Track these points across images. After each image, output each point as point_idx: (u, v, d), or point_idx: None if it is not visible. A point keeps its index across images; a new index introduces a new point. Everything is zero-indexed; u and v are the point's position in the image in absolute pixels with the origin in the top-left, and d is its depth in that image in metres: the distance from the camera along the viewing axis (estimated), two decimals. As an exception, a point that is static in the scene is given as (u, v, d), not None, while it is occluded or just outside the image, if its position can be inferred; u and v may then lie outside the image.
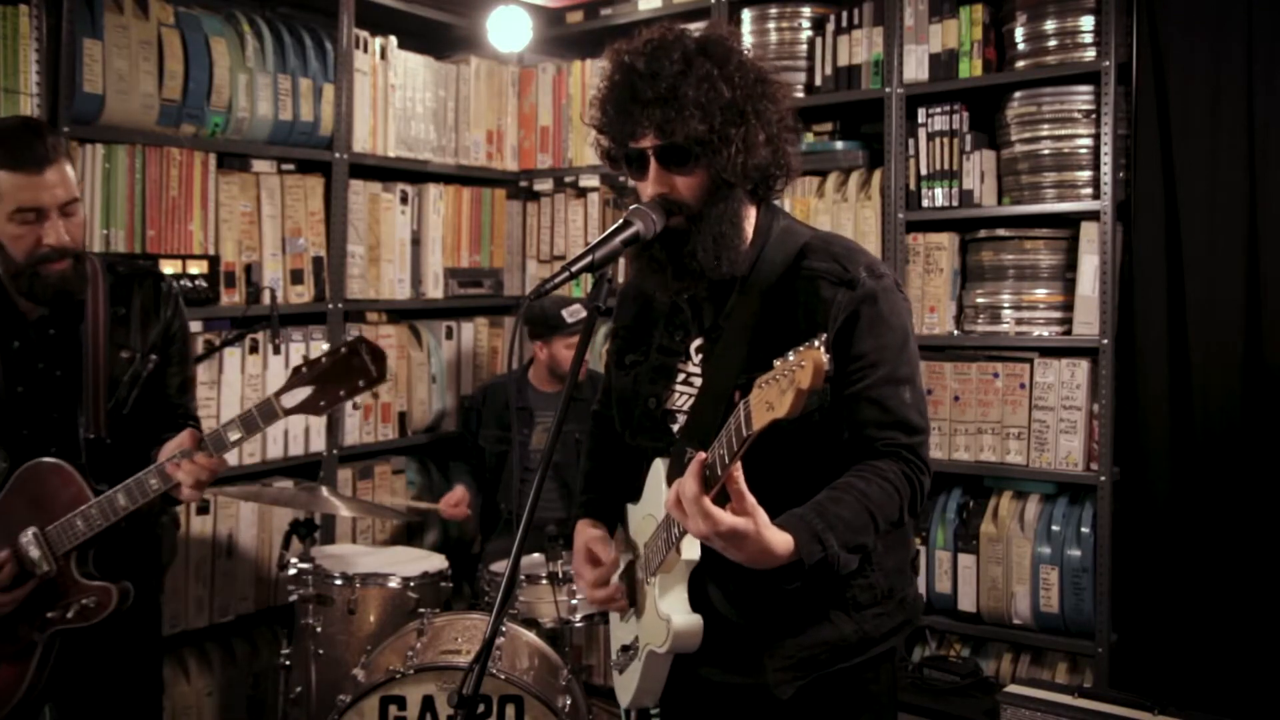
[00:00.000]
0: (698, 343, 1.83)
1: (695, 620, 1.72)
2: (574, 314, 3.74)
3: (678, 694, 1.88)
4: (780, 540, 1.54)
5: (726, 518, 1.48)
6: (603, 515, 2.02)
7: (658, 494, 1.78)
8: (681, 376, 1.84)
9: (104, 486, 2.19)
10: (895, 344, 1.72)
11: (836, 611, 1.76)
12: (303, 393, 2.09)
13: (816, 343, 1.33)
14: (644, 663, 1.81)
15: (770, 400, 1.36)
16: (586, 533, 1.98)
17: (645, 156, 1.72)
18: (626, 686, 1.90)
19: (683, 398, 1.83)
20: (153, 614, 2.53)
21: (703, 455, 1.51)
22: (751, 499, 1.50)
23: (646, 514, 1.83)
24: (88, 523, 2.17)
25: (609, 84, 1.75)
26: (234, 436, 2.13)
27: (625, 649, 1.89)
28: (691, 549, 1.69)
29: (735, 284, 1.78)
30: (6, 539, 2.21)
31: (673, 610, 1.72)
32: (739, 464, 1.47)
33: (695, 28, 1.80)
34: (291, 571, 3.02)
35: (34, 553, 2.20)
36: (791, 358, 1.35)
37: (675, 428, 1.82)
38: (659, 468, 1.80)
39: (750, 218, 1.80)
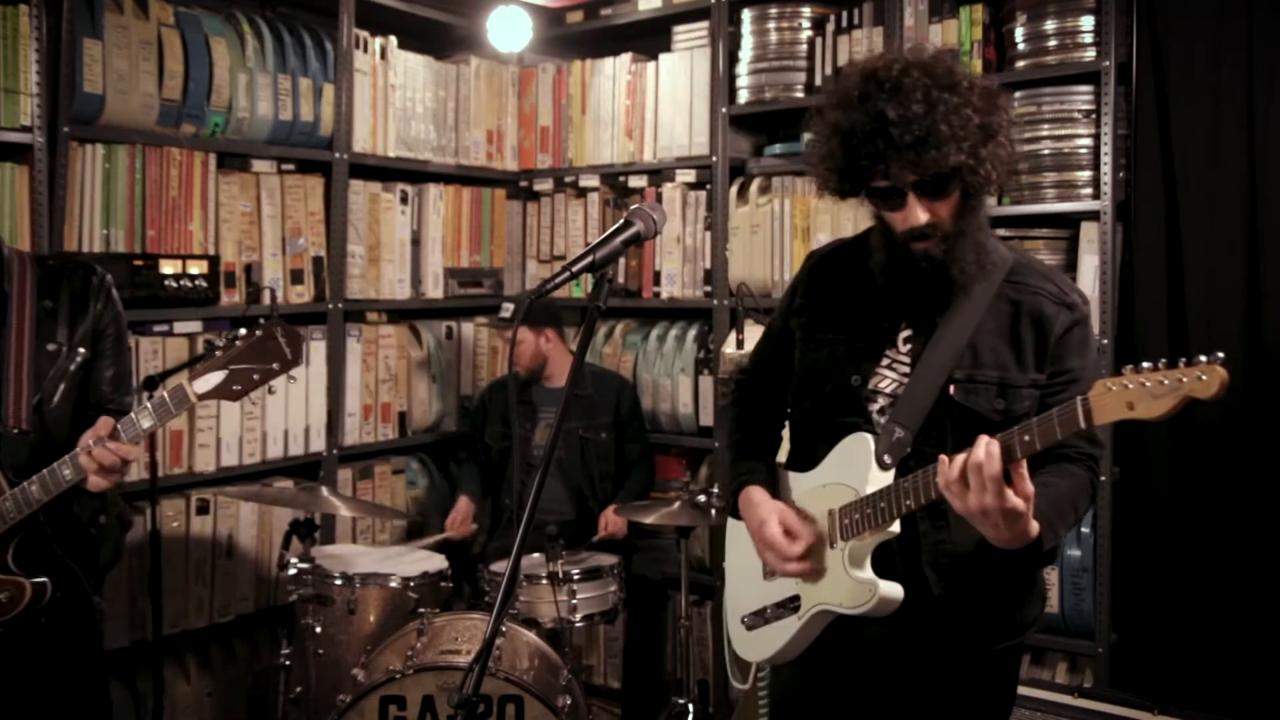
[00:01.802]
0: (907, 333, 1.93)
1: (898, 588, 1.84)
2: (505, 310, 3.86)
3: (821, 650, 1.96)
4: (1034, 525, 1.68)
5: (1013, 497, 1.62)
6: (769, 485, 2.06)
7: (859, 467, 1.87)
8: (886, 361, 1.93)
9: (22, 480, 2.15)
10: (1093, 364, 1.90)
11: (1006, 598, 1.92)
12: (216, 378, 2.05)
13: (1217, 358, 1.45)
14: (807, 621, 1.92)
15: (1132, 400, 1.51)
16: (773, 503, 2.00)
17: (902, 192, 1.81)
18: (768, 642, 2.00)
19: (887, 381, 1.92)
20: (88, 619, 2.41)
21: (987, 439, 1.63)
22: (1031, 488, 1.64)
23: (833, 483, 1.91)
24: (1, 517, 2.14)
25: (848, 130, 1.81)
26: (146, 424, 2.11)
27: (779, 605, 1.97)
28: (897, 522, 1.82)
29: (954, 286, 1.87)
30: None
31: (874, 577, 1.84)
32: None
33: (912, 52, 1.85)
34: (291, 571, 3.02)
35: None
36: (1151, 366, 1.49)
37: (873, 407, 1.91)
38: (865, 442, 1.88)
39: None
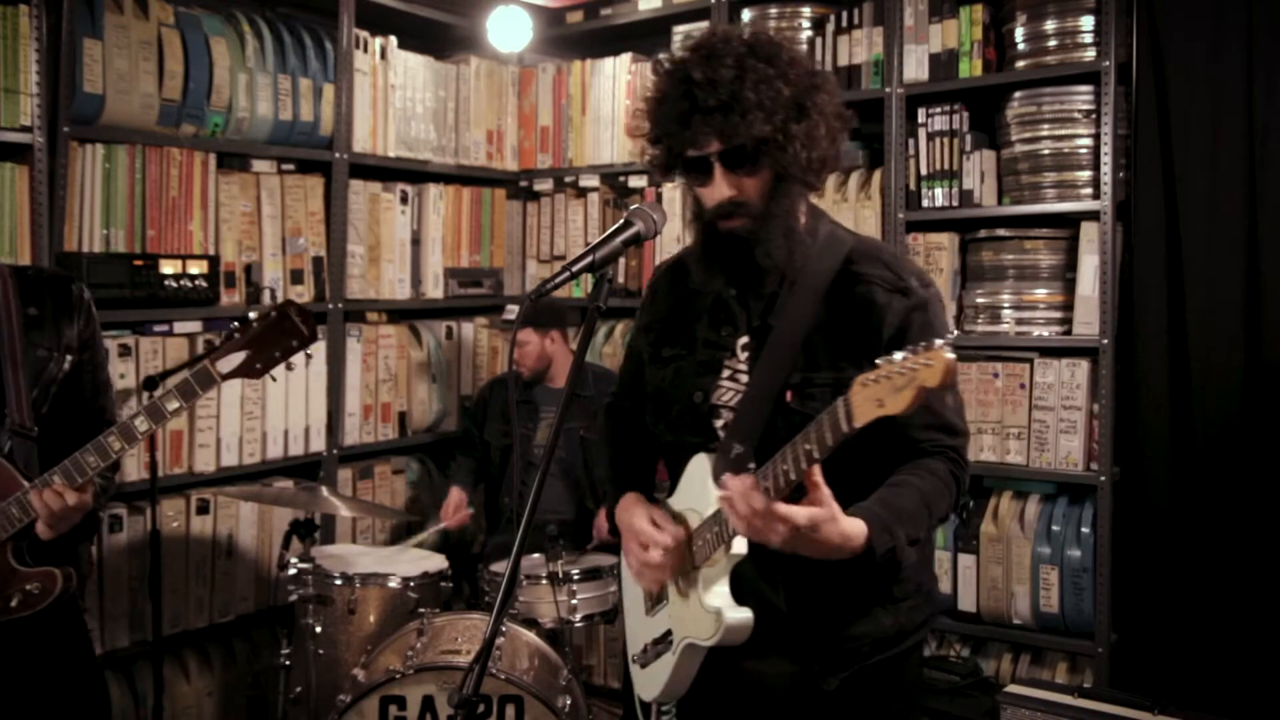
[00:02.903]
0: (744, 340, 1.85)
1: (746, 614, 1.74)
2: (510, 313, 3.94)
3: (708, 685, 1.88)
4: (854, 529, 1.58)
5: (802, 512, 1.53)
6: (643, 493, 1.99)
7: (701, 489, 1.79)
8: (727, 373, 1.85)
9: (31, 474, 2.17)
10: None
11: (876, 606, 1.81)
12: (238, 357, 2.15)
13: (939, 343, 1.37)
14: (680, 656, 1.83)
15: (880, 397, 1.41)
16: (645, 506, 1.91)
17: (709, 162, 1.74)
18: (654, 680, 1.91)
19: (728, 394, 1.84)
20: (78, 621, 2.43)
21: (750, 479, 1.55)
22: (827, 490, 1.54)
23: (687, 508, 1.83)
24: (23, 509, 2.15)
25: (660, 95, 1.77)
26: (172, 406, 2.16)
27: (656, 642, 1.90)
28: (740, 544, 1.71)
29: (783, 283, 1.80)
30: None
31: (721, 604, 1.74)
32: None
33: (740, 30, 1.81)
34: (291, 571, 3.02)
35: None
36: (901, 357, 1.39)
37: (719, 423, 1.83)
38: (703, 463, 1.80)
39: (802, 215, 1.83)
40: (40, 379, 2.28)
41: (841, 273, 1.78)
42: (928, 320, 1.76)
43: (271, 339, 2.16)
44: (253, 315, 2.17)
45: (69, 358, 2.33)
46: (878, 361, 1.42)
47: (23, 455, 2.22)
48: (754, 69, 1.69)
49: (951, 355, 1.36)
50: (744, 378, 1.82)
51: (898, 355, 1.40)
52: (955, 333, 3.52)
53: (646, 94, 1.80)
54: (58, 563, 2.23)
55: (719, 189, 1.74)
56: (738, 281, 1.82)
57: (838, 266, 1.78)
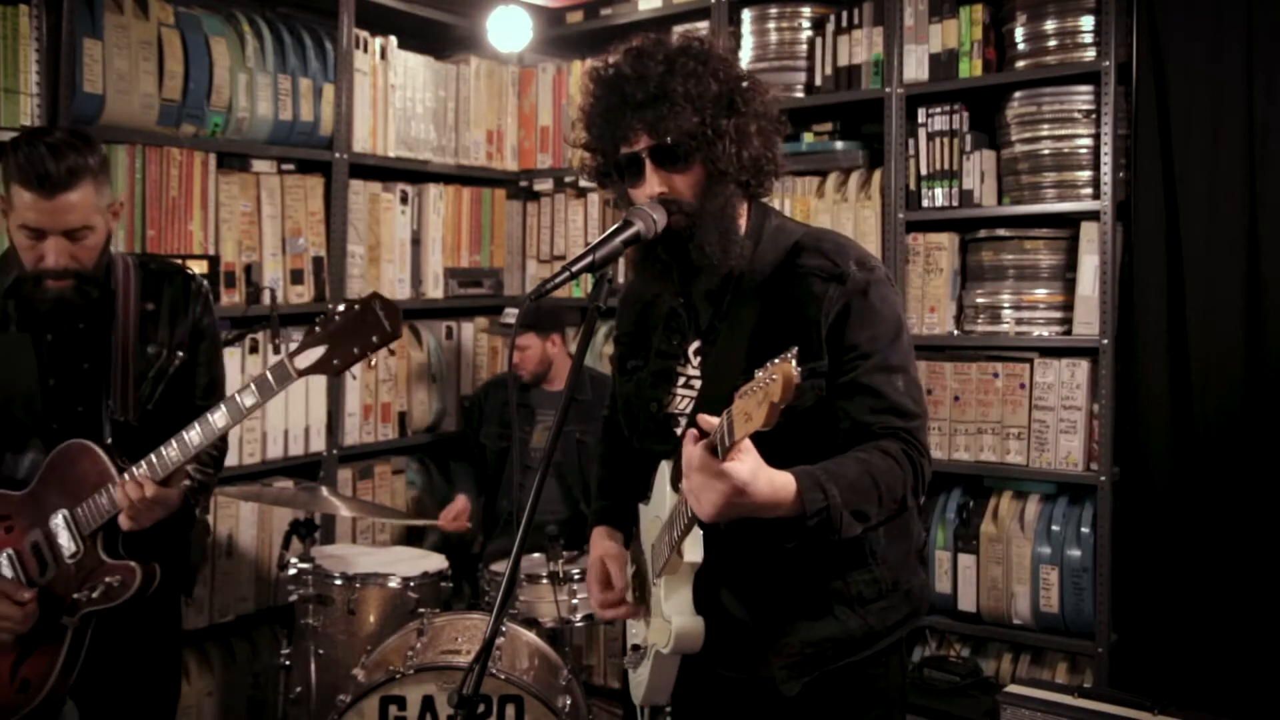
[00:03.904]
0: (695, 345, 1.84)
1: (696, 622, 1.73)
2: (507, 316, 3.98)
3: (691, 691, 1.88)
4: (782, 478, 1.52)
5: (743, 466, 1.47)
6: (617, 522, 2.03)
7: (663, 496, 1.80)
8: (682, 380, 1.85)
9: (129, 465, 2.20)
10: (887, 334, 1.72)
11: (841, 607, 1.78)
12: (316, 352, 2.05)
13: (789, 355, 1.35)
14: (652, 662, 1.83)
15: (748, 411, 1.37)
16: (602, 545, 2.00)
17: (640, 159, 1.72)
18: (638, 685, 1.92)
19: (684, 401, 1.84)
20: (174, 613, 2.54)
21: (694, 433, 1.51)
22: (747, 444, 1.48)
23: (654, 516, 1.84)
24: (113, 501, 2.16)
25: (593, 98, 1.77)
26: (249, 402, 2.12)
27: (636, 648, 1.92)
28: (693, 551, 1.70)
29: (730, 285, 1.79)
30: (40, 523, 2.23)
31: (675, 612, 1.74)
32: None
33: (679, 30, 1.82)
34: (291, 571, 3.02)
35: (63, 536, 2.21)
36: (765, 370, 1.36)
37: (679, 431, 1.83)
38: (664, 470, 1.81)
39: (743, 215, 1.81)
40: (148, 374, 2.30)
41: (783, 267, 1.76)
42: (866, 306, 1.71)
43: (352, 334, 2.03)
44: (338, 308, 2.06)
45: (179, 354, 2.35)
46: (756, 371, 1.37)
47: (123, 446, 2.24)
48: (683, 65, 1.69)
49: (795, 369, 1.32)
50: (698, 384, 1.81)
51: (767, 366, 1.35)
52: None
53: (582, 102, 1.80)
54: (148, 558, 2.23)
55: (650, 185, 1.71)
56: (684, 286, 1.80)
57: (781, 261, 1.76)
